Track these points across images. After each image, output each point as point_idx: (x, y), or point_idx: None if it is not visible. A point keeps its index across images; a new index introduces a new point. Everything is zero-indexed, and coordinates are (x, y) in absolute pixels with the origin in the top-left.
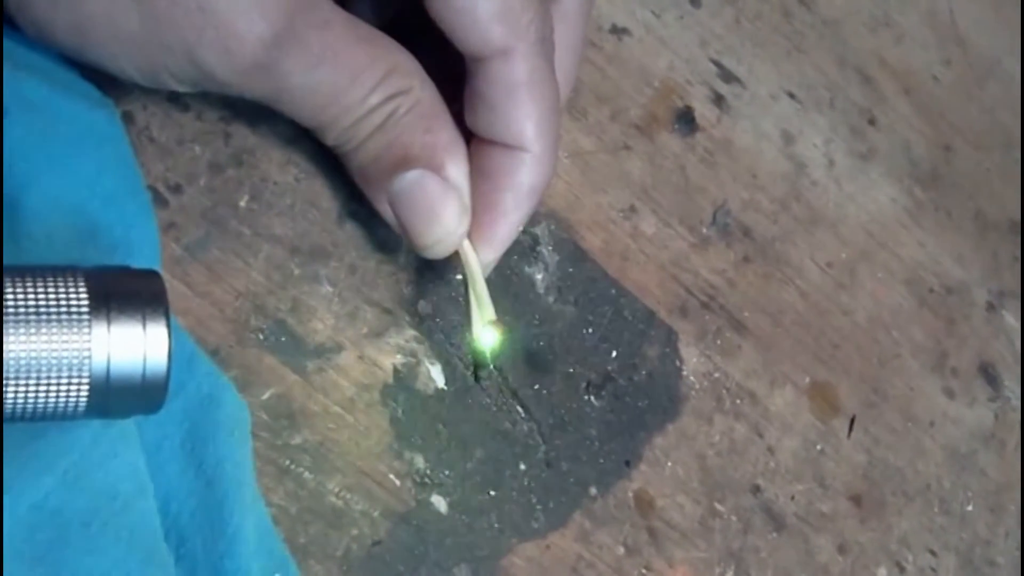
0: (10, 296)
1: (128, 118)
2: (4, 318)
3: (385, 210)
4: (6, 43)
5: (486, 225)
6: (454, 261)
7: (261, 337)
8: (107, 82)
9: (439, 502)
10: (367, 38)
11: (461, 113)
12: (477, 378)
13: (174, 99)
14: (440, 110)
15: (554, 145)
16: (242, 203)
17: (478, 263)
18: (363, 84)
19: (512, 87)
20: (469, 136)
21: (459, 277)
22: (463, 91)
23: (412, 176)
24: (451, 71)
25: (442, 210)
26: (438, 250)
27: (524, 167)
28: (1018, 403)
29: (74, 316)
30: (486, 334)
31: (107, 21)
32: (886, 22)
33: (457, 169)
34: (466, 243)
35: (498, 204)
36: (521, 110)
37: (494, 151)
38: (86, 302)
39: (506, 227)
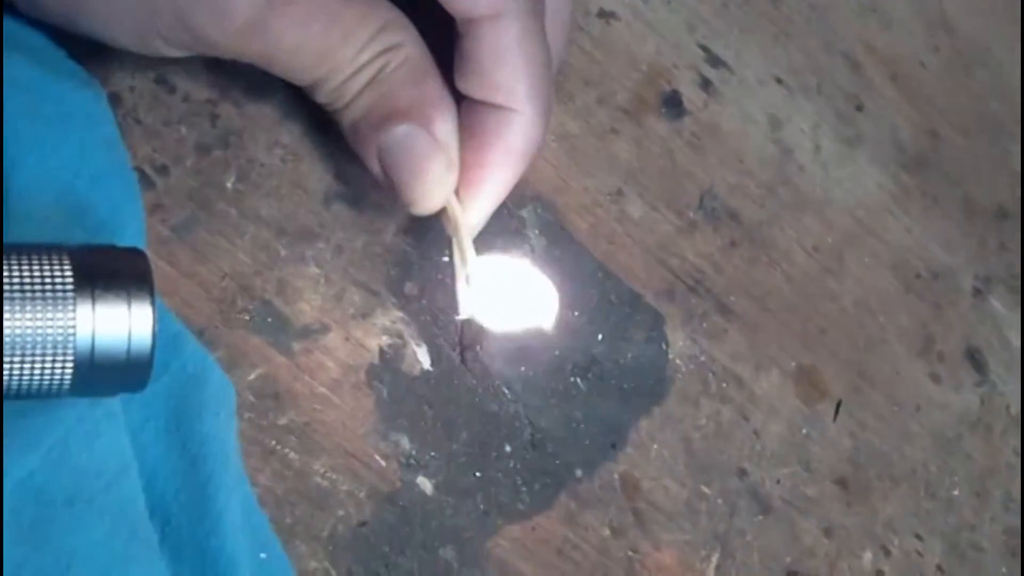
0: None
1: (115, 99)
2: None
3: (374, 166)
4: None
5: (475, 185)
6: (442, 243)
7: (247, 318)
8: (95, 63)
9: (425, 483)
10: None
11: (451, 73)
12: (463, 360)
13: (161, 80)
14: (429, 67)
15: (546, 107)
16: (229, 184)
17: (465, 220)
18: (354, 42)
19: (502, 48)
20: (460, 96)
21: (445, 259)
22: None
23: (401, 131)
24: (442, 31)
25: (430, 165)
26: (425, 205)
27: (514, 128)
28: (1005, 388)
29: (59, 294)
30: (469, 292)
31: None
32: (873, 8)
33: (445, 125)
34: (453, 200)
35: (488, 164)
36: (511, 71)
37: (485, 111)
38: (71, 280)
39: (495, 187)
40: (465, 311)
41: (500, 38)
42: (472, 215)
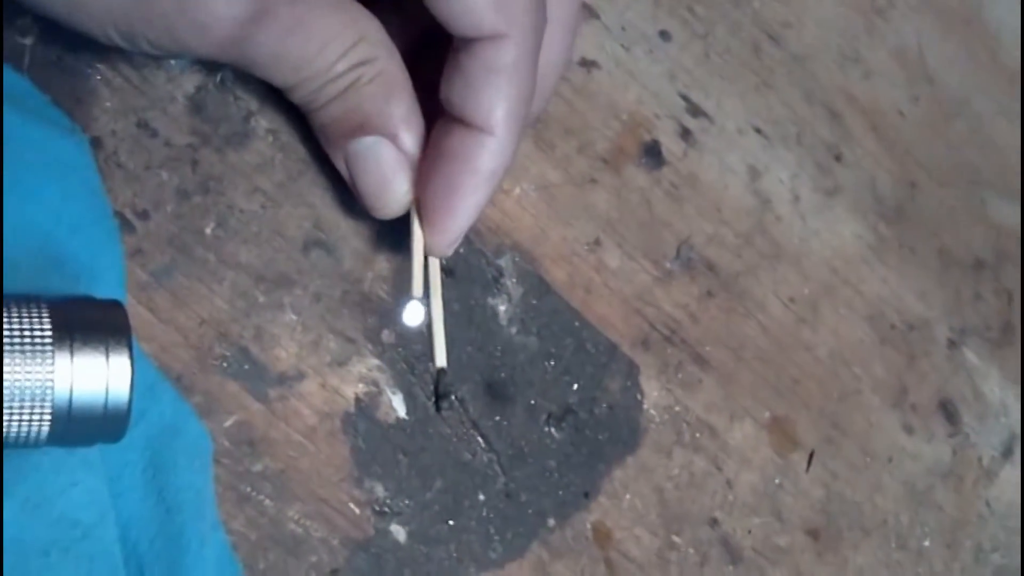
0: None
1: (97, 143)
2: None
3: (340, 167)
4: None
5: (445, 205)
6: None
7: (224, 364)
8: (77, 107)
9: (398, 531)
10: (337, 8)
11: (423, 83)
12: (438, 408)
13: (143, 125)
14: (402, 82)
15: (519, 133)
16: (208, 230)
17: (421, 237)
18: (331, 52)
19: (494, 70)
20: (433, 114)
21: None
22: (430, 57)
23: (367, 142)
24: (421, 33)
25: (392, 176)
26: (385, 213)
27: (487, 150)
28: (976, 439)
29: (37, 346)
30: (413, 308)
31: None
32: (855, 58)
33: (411, 139)
34: (415, 215)
35: (458, 186)
36: (496, 93)
37: (459, 131)
38: (49, 333)
39: (464, 209)
40: (440, 360)
41: (495, 59)
42: (442, 237)
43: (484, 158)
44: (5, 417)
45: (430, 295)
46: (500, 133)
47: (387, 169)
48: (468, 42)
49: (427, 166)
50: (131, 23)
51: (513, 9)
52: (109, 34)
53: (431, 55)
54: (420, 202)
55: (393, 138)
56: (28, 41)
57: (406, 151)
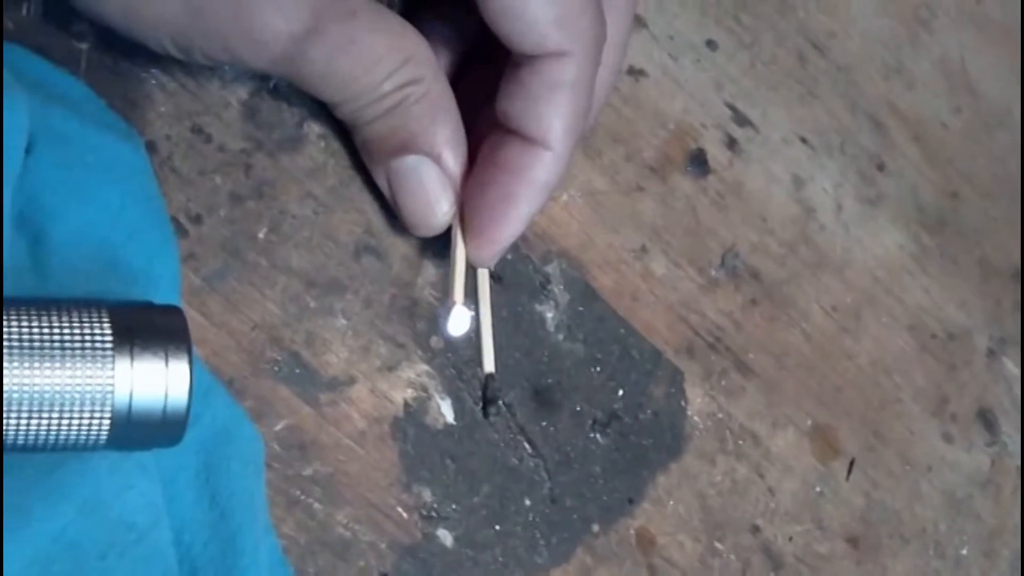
0: (36, 329)
1: (151, 148)
2: (30, 351)
3: (382, 183)
4: (37, 73)
5: (498, 216)
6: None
7: (276, 368)
8: (132, 112)
9: (445, 536)
10: (387, 28)
11: (470, 99)
12: (486, 414)
13: (197, 130)
14: (447, 102)
15: (574, 147)
16: (261, 235)
17: (463, 250)
18: (379, 72)
19: (556, 87)
20: (478, 129)
21: (471, 314)
22: (478, 67)
23: (411, 161)
24: (468, 49)
25: (434, 196)
26: (426, 231)
27: (543, 164)
28: (1015, 448)
29: (98, 351)
30: (457, 315)
31: (154, 6)
32: (898, 69)
33: (454, 160)
34: (457, 228)
35: (512, 196)
36: (556, 110)
37: (515, 144)
38: (110, 338)
39: (516, 220)
40: (488, 365)
41: (557, 76)
42: (491, 247)
43: (540, 171)
44: (66, 420)
45: (479, 301)
46: (558, 148)
47: (429, 188)
48: (530, 58)
49: (479, 177)
50: (187, 36)
51: (576, 27)
52: (164, 45)
53: (475, 70)
54: (468, 213)
55: (437, 158)
56: (84, 46)
57: (449, 171)
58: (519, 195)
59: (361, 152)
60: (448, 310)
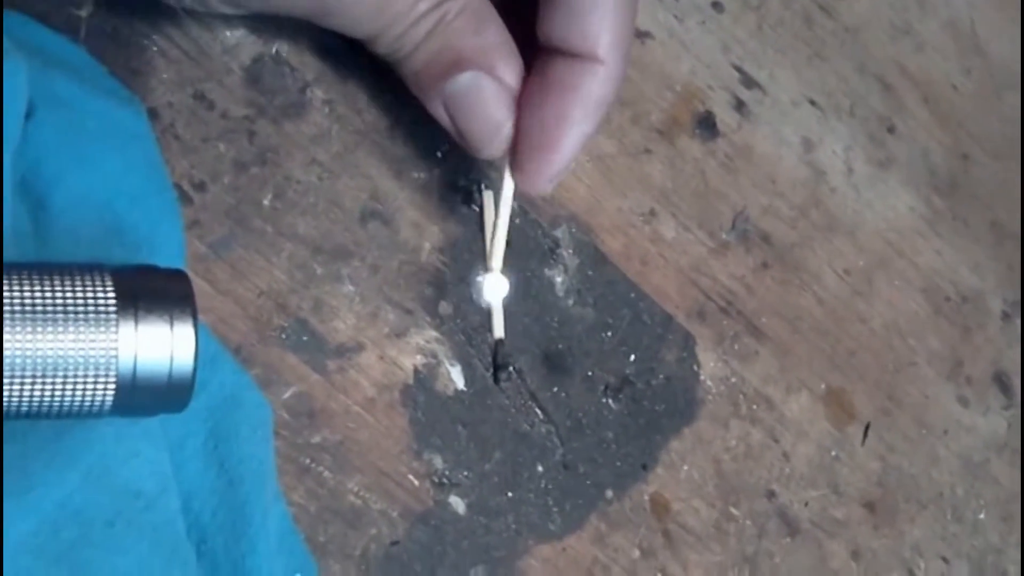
0: (38, 293)
1: (153, 115)
2: (32, 316)
3: (440, 115)
4: (37, 39)
5: (553, 137)
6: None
7: (283, 336)
8: (134, 79)
9: (457, 503)
10: None
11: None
12: (496, 380)
13: (199, 97)
14: (489, 12)
15: (626, 60)
16: (265, 201)
17: (507, 213)
18: None
19: None
20: (531, 50)
21: (480, 279)
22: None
23: (465, 78)
24: None
25: (496, 110)
26: (493, 151)
27: (595, 79)
28: None
29: (102, 315)
30: (489, 281)
31: None
32: (907, 30)
33: (509, 69)
34: (506, 169)
35: (567, 116)
36: (601, 19)
37: (564, 62)
38: (113, 301)
39: (572, 140)
40: (498, 331)
41: None
42: (547, 169)
43: (594, 86)
44: (70, 386)
45: (496, 203)
46: (610, 60)
47: (490, 103)
48: None
49: (529, 100)
50: None
51: None
52: None
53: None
54: (519, 140)
55: (491, 70)
56: (84, 13)
57: (505, 84)
58: (574, 114)
59: (412, 88)
60: (478, 274)
